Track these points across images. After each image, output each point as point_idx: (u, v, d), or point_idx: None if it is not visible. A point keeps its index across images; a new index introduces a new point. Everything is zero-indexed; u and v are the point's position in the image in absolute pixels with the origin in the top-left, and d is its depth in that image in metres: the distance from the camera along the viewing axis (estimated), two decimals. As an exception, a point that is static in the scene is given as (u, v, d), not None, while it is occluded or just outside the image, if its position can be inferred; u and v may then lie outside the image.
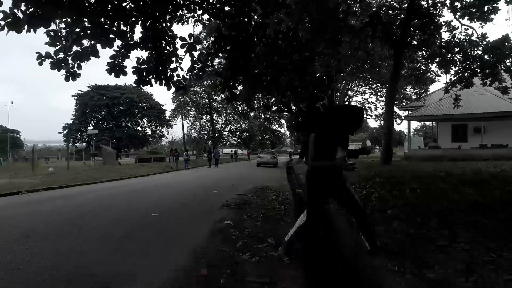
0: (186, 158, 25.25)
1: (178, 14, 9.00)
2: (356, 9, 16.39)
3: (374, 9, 16.02)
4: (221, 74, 8.52)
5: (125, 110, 44.81)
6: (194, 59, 8.20)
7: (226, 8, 8.88)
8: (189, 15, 9.17)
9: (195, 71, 8.32)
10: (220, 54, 8.69)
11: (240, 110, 52.63)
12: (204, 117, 56.06)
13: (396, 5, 16.34)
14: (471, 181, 7.79)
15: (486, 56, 14.57)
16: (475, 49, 14.90)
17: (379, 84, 32.13)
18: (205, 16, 9.30)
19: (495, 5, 13.63)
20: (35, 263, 3.68)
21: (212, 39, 8.77)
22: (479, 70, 15.06)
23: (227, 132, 59.07)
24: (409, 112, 24.56)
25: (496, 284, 2.72)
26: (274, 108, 36.46)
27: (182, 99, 49.01)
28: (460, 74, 15.77)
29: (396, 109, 25.16)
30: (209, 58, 8.40)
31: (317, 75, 22.62)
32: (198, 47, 8.35)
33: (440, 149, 21.41)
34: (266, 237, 4.57)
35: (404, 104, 28.09)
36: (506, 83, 14.14)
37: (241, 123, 58.17)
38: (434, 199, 6.11)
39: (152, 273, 3.39)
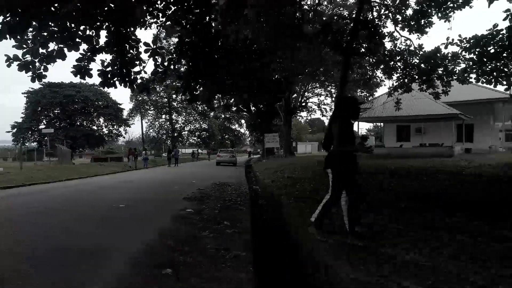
0: (145, 157, 25.34)
1: (142, 20, 9.57)
2: (311, 17, 17.62)
3: (325, 19, 17.33)
4: (182, 77, 9.15)
5: (80, 108, 43.42)
6: (158, 63, 8.78)
7: (189, 16, 9.54)
8: (152, 20, 9.76)
9: (158, 75, 8.90)
10: (182, 60, 9.32)
11: (200, 110, 52.91)
12: (163, 116, 55.65)
13: (346, 15, 17.77)
14: (402, 174, 9.12)
15: (422, 65, 16.37)
16: (413, 58, 16.69)
17: (334, 86, 34.04)
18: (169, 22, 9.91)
19: (430, 19, 15.43)
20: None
21: (174, 39, 9.35)
22: (417, 77, 16.87)
23: (186, 132, 58.99)
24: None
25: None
26: (234, 108, 37.27)
27: (140, 98, 48.36)
28: (401, 80, 17.53)
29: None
30: (171, 62, 9.01)
31: (277, 77, 23.76)
32: (160, 51, 8.93)
33: (385, 148, 23.37)
34: (223, 220, 5.37)
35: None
36: (438, 89, 15.95)
37: (201, 122, 58.35)
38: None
39: (128, 244, 4.07)
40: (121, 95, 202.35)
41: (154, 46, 8.56)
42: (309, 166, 14.57)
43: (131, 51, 8.95)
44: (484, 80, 11.77)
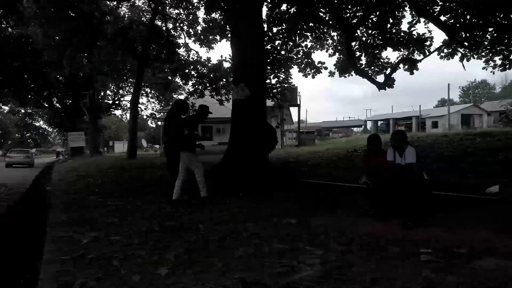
0: None
1: None
2: (109, 19, 17.97)
3: (125, 22, 18.07)
4: None
5: None
6: None
7: None
8: None
9: None
10: None
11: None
12: None
13: (145, 21, 18.96)
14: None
15: (211, 74, 19.24)
16: (204, 68, 19.40)
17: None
18: None
19: (216, 37, 18.29)
20: None
21: None
22: (208, 85, 19.66)
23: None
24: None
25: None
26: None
27: None
28: (196, 86, 20.03)
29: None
30: None
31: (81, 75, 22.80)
32: None
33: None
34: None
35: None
36: (221, 97, 19.08)
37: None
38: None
39: None
40: None
41: None
42: (104, 164, 15.08)
43: None
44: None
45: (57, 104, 33.38)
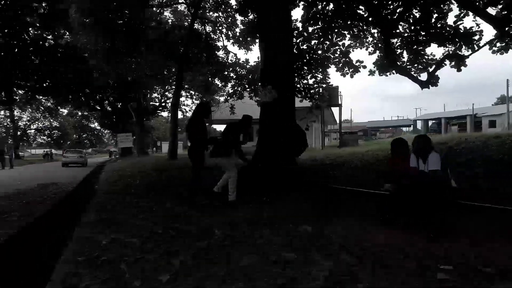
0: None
1: None
2: (153, 25, 18.71)
3: (167, 27, 18.70)
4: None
5: None
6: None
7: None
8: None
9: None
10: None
11: (50, 105, 47.82)
12: (2, 112, 48.34)
13: (186, 25, 19.49)
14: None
15: (250, 76, 19.32)
16: (243, 70, 19.53)
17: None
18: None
19: (254, 38, 18.37)
20: None
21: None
22: (247, 86, 19.76)
23: (33, 130, 52.47)
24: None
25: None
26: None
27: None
28: (235, 88, 20.22)
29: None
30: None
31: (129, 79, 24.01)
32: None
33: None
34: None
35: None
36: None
37: (52, 120, 52.72)
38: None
39: None
40: None
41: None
42: (147, 165, 15.72)
43: None
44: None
45: (108, 107, 35.46)
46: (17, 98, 8.84)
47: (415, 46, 11.47)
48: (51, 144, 54.78)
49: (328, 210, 4.61)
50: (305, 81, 14.15)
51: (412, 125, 61.32)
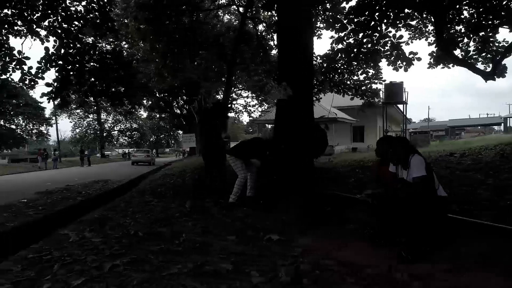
0: (55, 157, 25.28)
1: (15, 28, 10.44)
2: (209, 27, 19.18)
3: (217, 30, 18.98)
4: (51, 85, 10.05)
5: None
6: (24, 71, 9.73)
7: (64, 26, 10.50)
8: (26, 30, 10.59)
9: (25, 82, 9.85)
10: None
11: (128, 109, 52.26)
12: (91, 115, 54.14)
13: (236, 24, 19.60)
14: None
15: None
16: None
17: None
18: (43, 32, 10.75)
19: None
20: None
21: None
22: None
23: (116, 132, 57.89)
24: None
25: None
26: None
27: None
28: (289, 87, 19.80)
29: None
30: (39, 71, 9.96)
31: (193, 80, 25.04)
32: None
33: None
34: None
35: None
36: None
37: (132, 122, 57.59)
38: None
39: None
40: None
41: (19, 56, 9.58)
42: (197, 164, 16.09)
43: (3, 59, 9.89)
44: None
45: (177, 110, 37.50)
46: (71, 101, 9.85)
47: (482, 33, 10.01)
48: (131, 144, 59.82)
49: (316, 219, 4.09)
50: (355, 77, 13.27)
51: (502, 123, 53.97)
